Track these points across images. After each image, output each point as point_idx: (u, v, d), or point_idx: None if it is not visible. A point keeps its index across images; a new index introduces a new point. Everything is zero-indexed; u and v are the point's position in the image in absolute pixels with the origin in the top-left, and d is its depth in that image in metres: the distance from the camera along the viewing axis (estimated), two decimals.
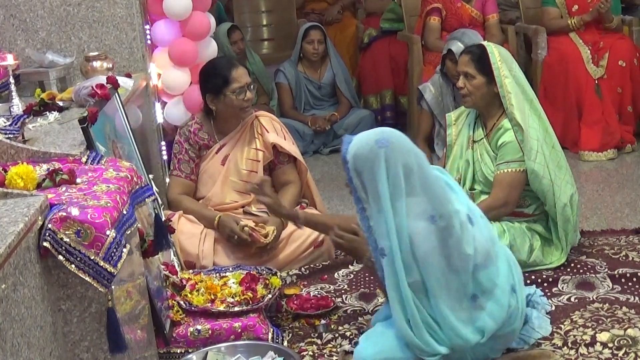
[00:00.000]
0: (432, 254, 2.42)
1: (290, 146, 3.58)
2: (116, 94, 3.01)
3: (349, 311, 3.04)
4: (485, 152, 3.33)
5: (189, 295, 2.90)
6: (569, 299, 3.02)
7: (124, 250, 1.93)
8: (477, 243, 2.47)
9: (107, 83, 2.97)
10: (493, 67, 3.25)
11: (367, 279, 3.30)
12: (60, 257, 1.83)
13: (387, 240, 2.41)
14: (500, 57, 3.26)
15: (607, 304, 2.94)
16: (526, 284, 3.12)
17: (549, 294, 3.07)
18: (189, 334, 2.74)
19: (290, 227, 3.43)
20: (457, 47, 3.97)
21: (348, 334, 2.86)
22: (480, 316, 2.48)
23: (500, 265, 2.55)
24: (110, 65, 3.48)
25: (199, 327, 2.76)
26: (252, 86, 3.46)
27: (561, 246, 3.30)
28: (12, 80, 2.94)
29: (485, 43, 3.37)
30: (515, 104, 3.22)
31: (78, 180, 2.11)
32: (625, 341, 2.66)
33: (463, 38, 4.05)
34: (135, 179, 2.25)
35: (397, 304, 2.45)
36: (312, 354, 2.76)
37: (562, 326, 2.80)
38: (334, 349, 2.77)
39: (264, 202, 3.07)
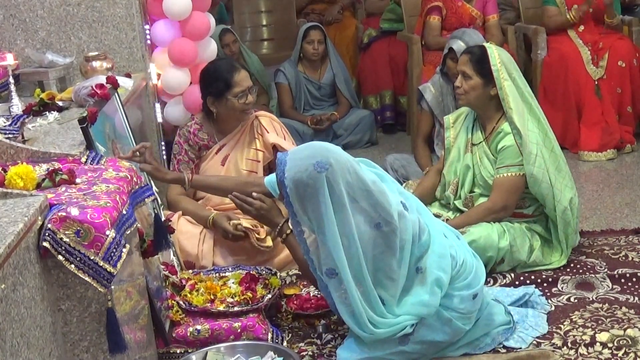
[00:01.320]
0: (380, 258, 2.45)
1: (290, 146, 3.57)
2: (116, 94, 3.01)
3: None
4: (484, 156, 3.33)
5: (189, 295, 2.90)
6: (568, 299, 3.02)
7: (124, 250, 1.93)
8: (413, 225, 2.50)
9: (106, 83, 2.97)
10: (493, 69, 3.25)
11: None
12: (60, 257, 1.82)
13: (336, 261, 2.41)
14: (500, 59, 3.26)
15: (606, 304, 2.94)
16: (526, 284, 3.14)
17: (548, 294, 3.07)
18: (188, 334, 2.74)
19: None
20: (458, 45, 3.97)
21: (347, 334, 2.85)
22: (429, 274, 2.51)
23: (430, 228, 2.57)
24: (110, 65, 3.48)
25: (198, 327, 2.75)
26: (253, 89, 3.47)
27: (561, 248, 3.30)
28: (11, 80, 2.94)
29: (486, 45, 3.37)
30: (514, 107, 3.23)
31: (78, 180, 2.11)
32: (624, 341, 2.66)
33: (464, 37, 4.05)
34: (134, 179, 2.25)
35: (349, 317, 2.49)
36: (311, 354, 2.76)
37: (562, 326, 2.80)
38: (334, 349, 2.77)
39: (145, 169, 2.96)
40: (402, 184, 4.01)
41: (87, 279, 1.85)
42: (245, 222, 3.31)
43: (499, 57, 3.27)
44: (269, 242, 3.31)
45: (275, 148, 3.54)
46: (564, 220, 3.24)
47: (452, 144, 3.47)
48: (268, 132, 3.53)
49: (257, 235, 3.30)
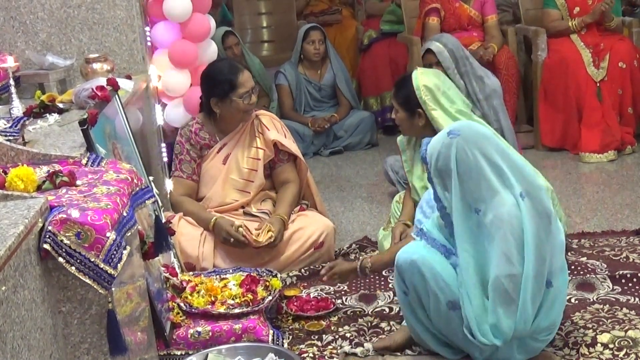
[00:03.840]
0: (532, 239, 2.40)
1: (290, 144, 3.59)
2: (116, 96, 3.00)
3: (349, 312, 3.04)
4: None
5: (189, 297, 2.90)
6: (569, 300, 3.01)
7: (124, 252, 1.93)
8: (560, 241, 2.50)
9: (107, 85, 2.97)
10: (420, 101, 3.22)
11: (367, 280, 3.30)
12: (61, 259, 1.82)
13: (455, 237, 2.45)
14: (424, 87, 3.21)
15: (607, 305, 2.94)
16: None
17: None
18: (189, 336, 2.74)
19: (290, 228, 3.43)
20: (435, 46, 3.90)
21: (348, 335, 2.86)
22: (545, 304, 2.48)
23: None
24: (110, 67, 3.48)
25: (199, 329, 2.75)
26: (255, 89, 3.49)
27: None
28: (12, 82, 2.94)
29: (413, 75, 3.28)
30: None
31: (78, 182, 2.11)
32: (625, 342, 2.65)
33: (441, 39, 3.97)
34: (135, 180, 2.25)
35: (479, 308, 2.42)
36: (312, 355, 2.76)
37: (563, 327, 2.79)
38: (334, 351, 2.77)
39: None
40: (402, 186, 4.01)
41: (87, 281, 1.85)
42: (249, 224, 3.32)
43: (423, 85, 3.21)
44: (262, 236, 3.31)
45: (276, 146, 3.55)
46: None
47: (411, 166, 3.43)
48: (269, 130, 3.54)
49: (254, 242, 3.30)
